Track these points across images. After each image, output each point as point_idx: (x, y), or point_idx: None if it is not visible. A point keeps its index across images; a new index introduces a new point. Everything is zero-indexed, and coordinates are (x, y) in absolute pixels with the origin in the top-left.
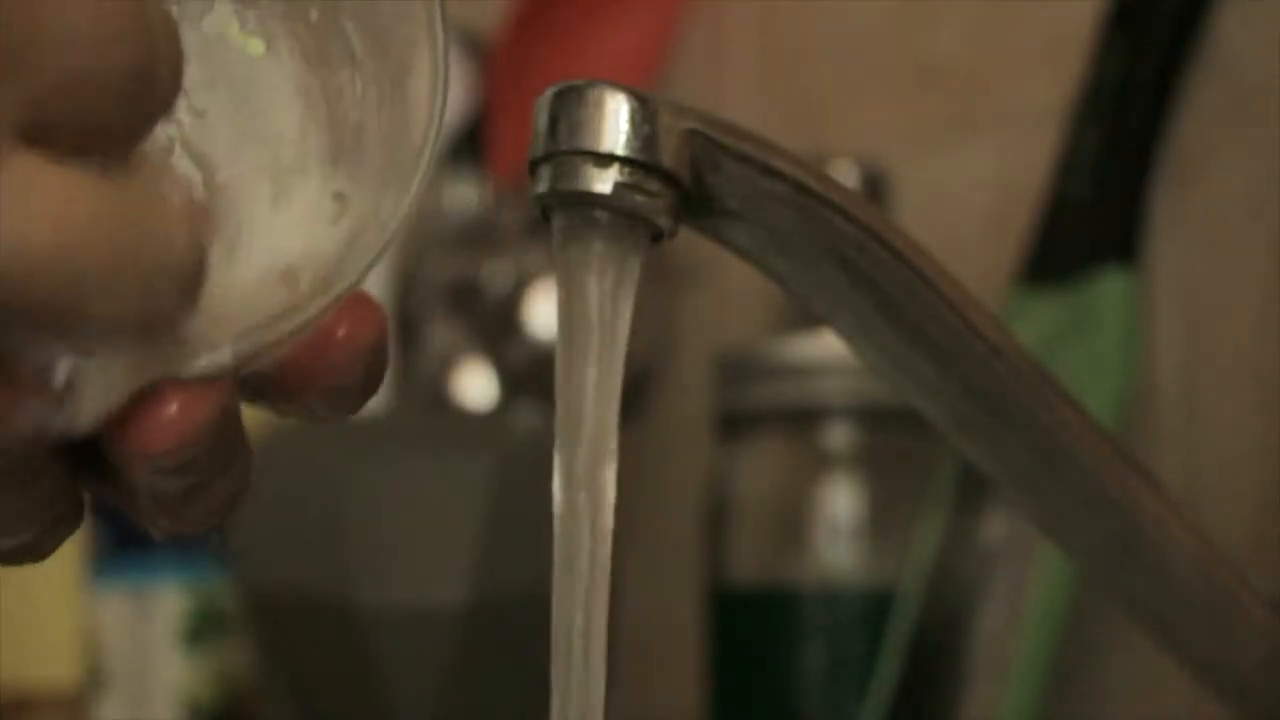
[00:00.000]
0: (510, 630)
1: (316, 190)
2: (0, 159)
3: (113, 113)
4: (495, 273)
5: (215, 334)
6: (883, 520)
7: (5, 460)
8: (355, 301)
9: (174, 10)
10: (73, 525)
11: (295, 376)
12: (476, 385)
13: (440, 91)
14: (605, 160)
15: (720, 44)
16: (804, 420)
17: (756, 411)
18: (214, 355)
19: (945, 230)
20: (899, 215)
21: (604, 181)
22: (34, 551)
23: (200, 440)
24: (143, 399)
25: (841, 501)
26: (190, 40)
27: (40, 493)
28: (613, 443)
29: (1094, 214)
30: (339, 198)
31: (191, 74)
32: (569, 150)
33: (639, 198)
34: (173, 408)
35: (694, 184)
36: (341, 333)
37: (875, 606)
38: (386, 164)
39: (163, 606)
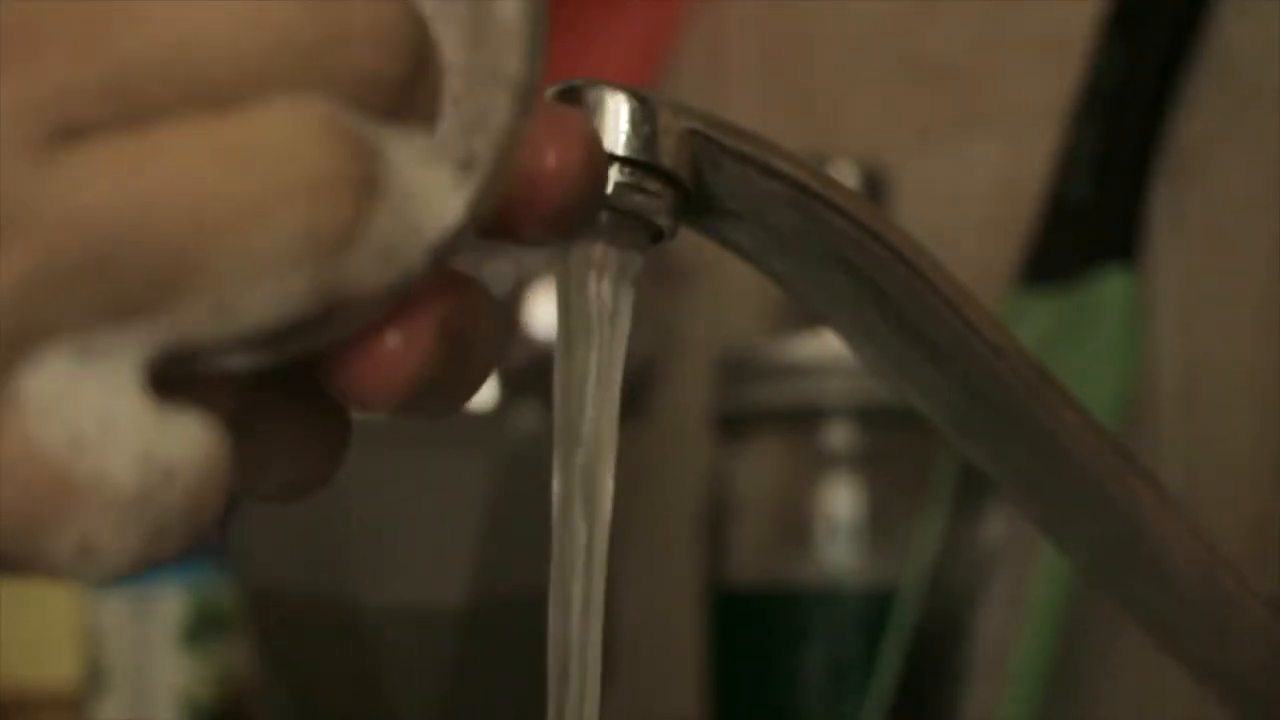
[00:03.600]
0: (510, 630)
1: None
2: None
3: None
4: (495, 273)
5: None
6: (883, 520)
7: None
8: (554, 122)
9: None
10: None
11: (511, 216)
12: None
13: None
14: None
15: (720, 44)
16: (804, 420)
17: (756, 411)
18: (444, 214)
19: (945, 230)
20: (899, 215)
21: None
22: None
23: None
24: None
25: (841, 501)
26: None
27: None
28: (612, 443)
29: (1094, 214)
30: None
31: None
32: None
33: (639, 198)
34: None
35: (694, 184)
36: (551, 161)
37: (875, 606)
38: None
39: (163, 606)
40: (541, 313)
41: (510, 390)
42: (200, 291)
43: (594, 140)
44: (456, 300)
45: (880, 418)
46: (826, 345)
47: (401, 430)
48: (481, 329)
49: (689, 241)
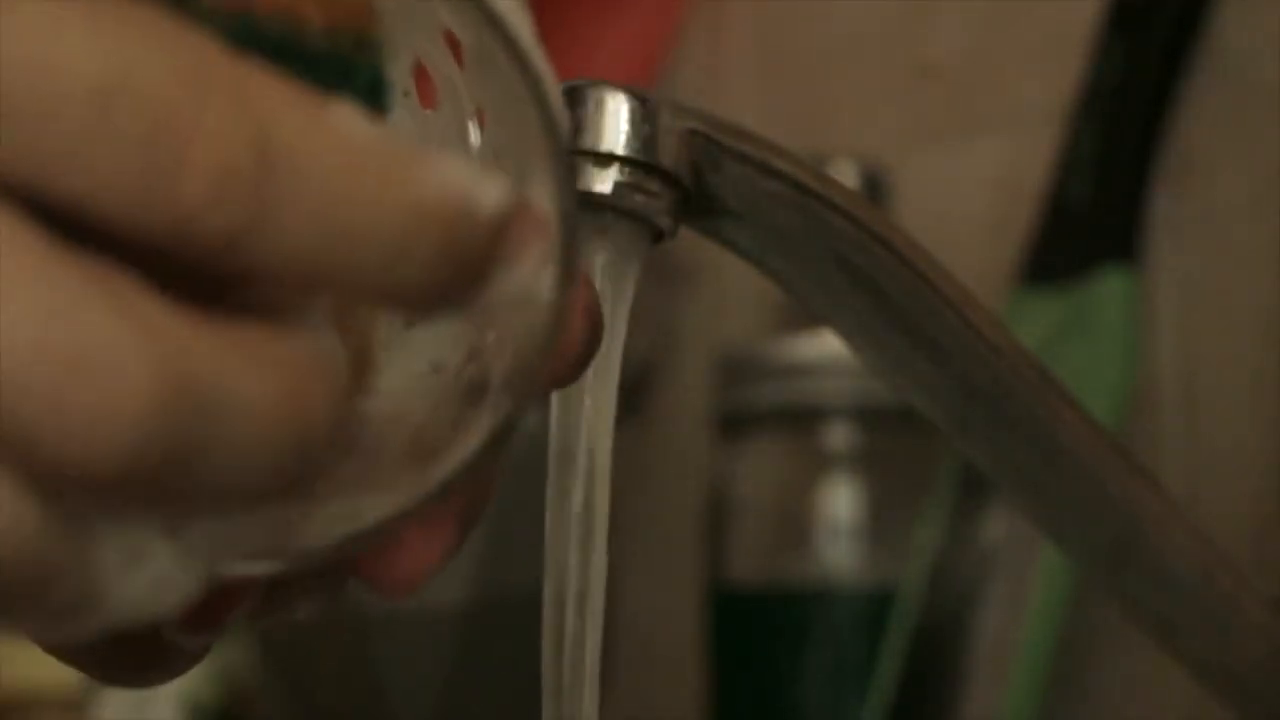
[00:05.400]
0: (510, 630)
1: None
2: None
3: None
4: None
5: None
6: (883, 520)
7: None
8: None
9: None
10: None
11: None
12: None
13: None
14: (605, 160)
15: (720, 44)
16: (804, 420)
17: (756, 411)
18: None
19: (945, 230)
20: (899, 215)
21: (604, 181)
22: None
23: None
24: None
25: (841, 501)
26: None
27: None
28: (610, 443)
29: (1094, 214)
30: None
31: None
32: (569, 150)
33: (639, 198)
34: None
35: (694, 184)
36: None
37: (875, 606)
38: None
39: None
40: None
41: None
42: None
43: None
44: (476, 485)
45: (880, 418)
46: (826, 345)
47: None
48: (488, 492)
49: (689, 241)
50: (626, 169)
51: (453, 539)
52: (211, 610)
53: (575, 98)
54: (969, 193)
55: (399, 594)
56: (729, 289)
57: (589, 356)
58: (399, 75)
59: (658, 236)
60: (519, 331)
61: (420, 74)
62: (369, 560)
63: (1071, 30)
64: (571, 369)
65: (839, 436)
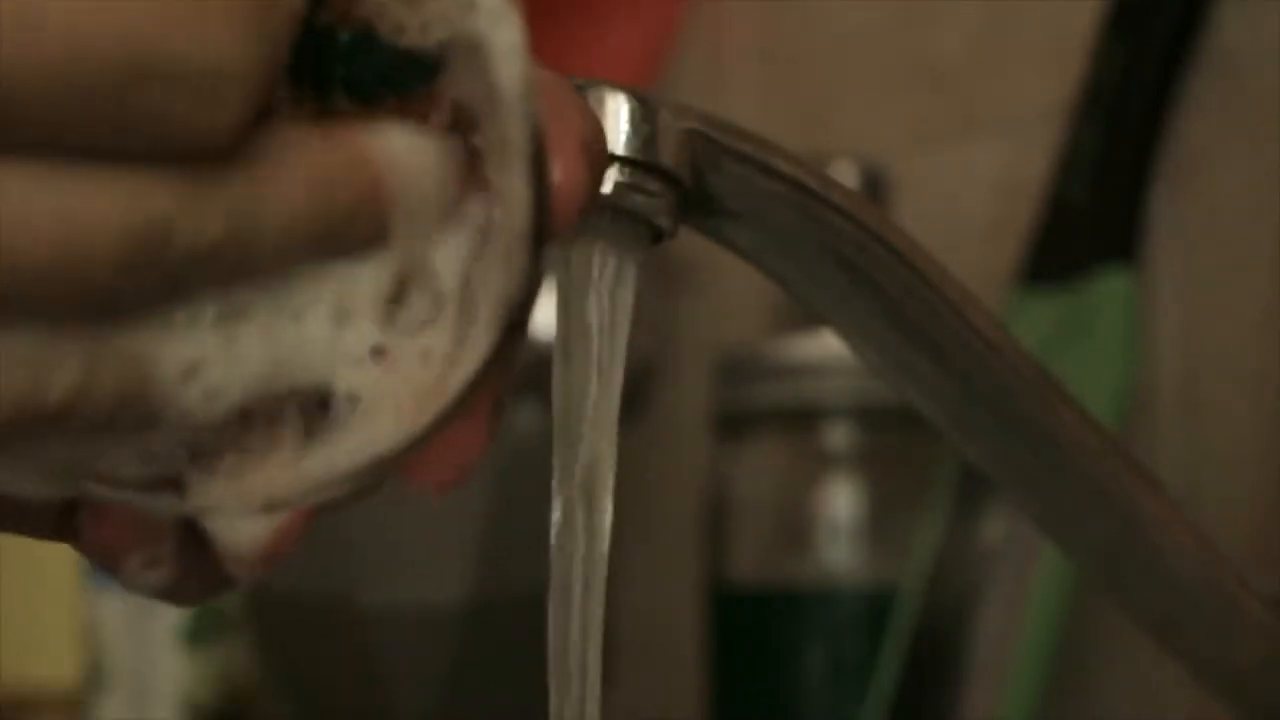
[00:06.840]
0: (510, 630)
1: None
2: None
3: None
4: None
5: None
6: (883, 520)
7: None
8: (554, 129)
9: None
10: None
11: None
12: None
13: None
14: None
15: (720, 44)
16: (804, 420)
17: (756, 411)
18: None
19: (945, 230)
20: (899, 215)
21: (604, 182)
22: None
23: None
24: None
25: (841, 501)
26: None
27: None
28: (612, 443)
29: (1094, 214)
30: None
31: None
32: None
33: (639, 198)
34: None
35: (694, 184)
36: (557, 176)
37: (875, 606)
38: None
39: (163, 606)
40: (541, 313)
41: (510, 390)
42: None
43: (595, 139)
44: (507, 370)
45: (880, 418)
46: (826, 345)
47: None
48: (509, 381)
49: (689, 241)
50: (626, 169)
51: (486, 434)
52: (277, 546)
53: None
54: (969, 193)
55: (441, 492)
56: (729, 289)
57: (590, 199)
58: None
59: (658, 236)
60: (497, 247)
61: None
62: (408, 465)
63: (1071, 30)
64: (569, 216)
65: (839, 436)
